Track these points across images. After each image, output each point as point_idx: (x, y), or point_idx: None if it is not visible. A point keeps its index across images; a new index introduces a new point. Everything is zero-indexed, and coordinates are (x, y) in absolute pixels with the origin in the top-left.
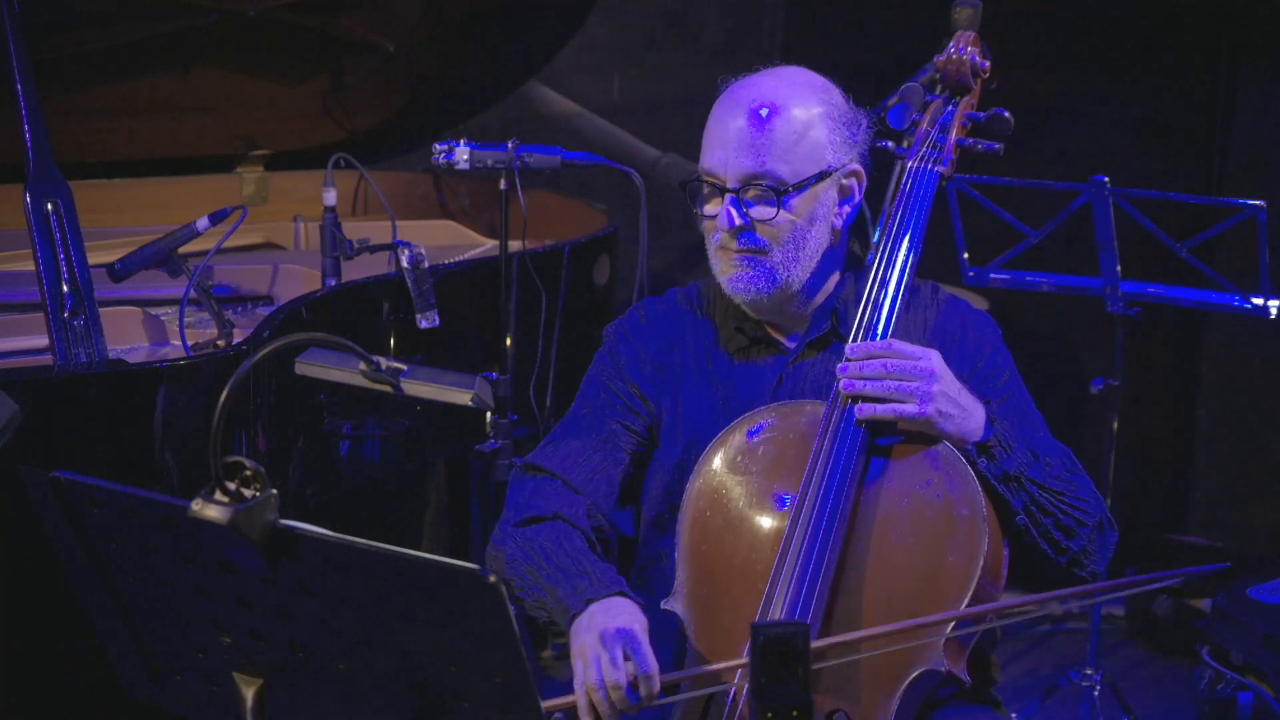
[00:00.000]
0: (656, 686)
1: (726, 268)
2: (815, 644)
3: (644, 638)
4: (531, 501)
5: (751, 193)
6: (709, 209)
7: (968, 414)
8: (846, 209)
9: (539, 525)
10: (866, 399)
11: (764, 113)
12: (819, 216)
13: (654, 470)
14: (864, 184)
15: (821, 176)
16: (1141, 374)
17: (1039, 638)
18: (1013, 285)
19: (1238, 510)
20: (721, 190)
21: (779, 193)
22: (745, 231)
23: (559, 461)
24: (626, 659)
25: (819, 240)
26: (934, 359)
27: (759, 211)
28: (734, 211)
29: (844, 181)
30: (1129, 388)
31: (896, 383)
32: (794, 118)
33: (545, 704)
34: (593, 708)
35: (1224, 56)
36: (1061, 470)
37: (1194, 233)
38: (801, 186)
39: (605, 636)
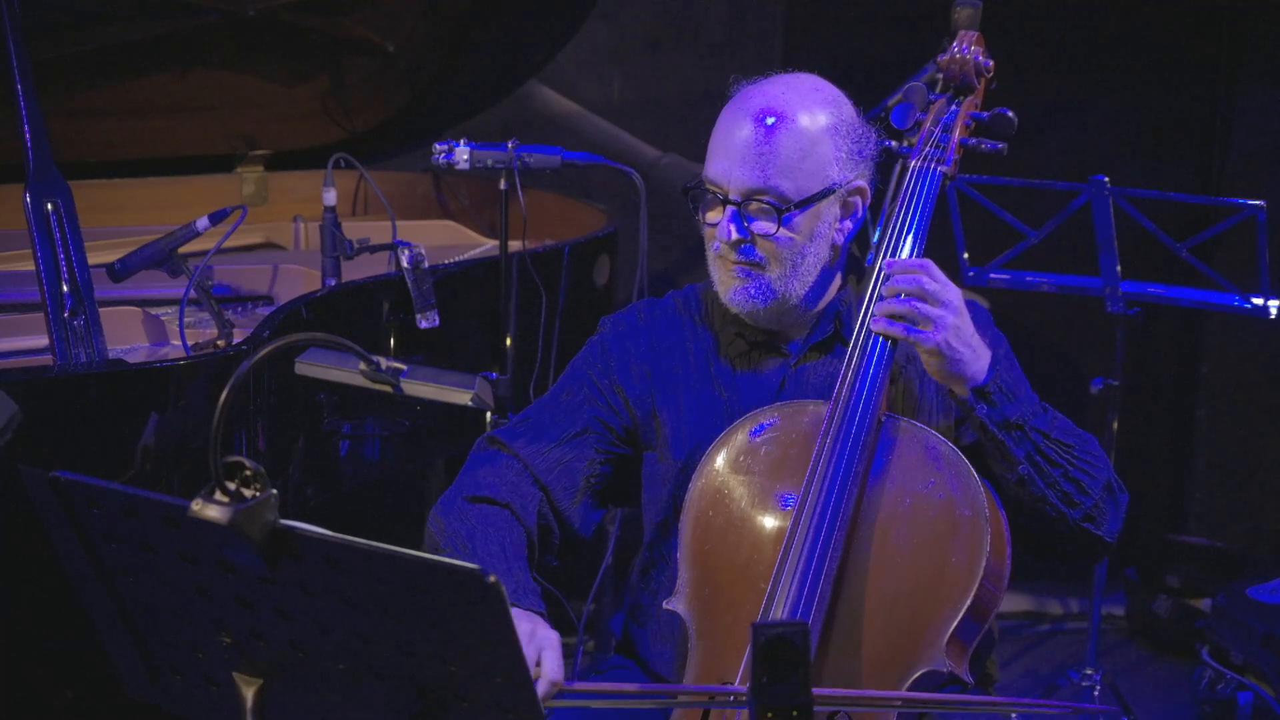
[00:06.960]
0: (550, 694)
1: (725, 278)
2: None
3: (560, 651)
4: (489, 482)
5: (753, 207)
6: (710, 217)
7: (976, 356)
8: (848, 225)
9: (491, 508)
10: (889, 315)
11: (770, 121)
12: (819, 233)
13: (657, 476)
14: (868, 200)
15: (825, 194)
16: (1141, 374)
17: (1039, 637)
18: (1013, 285)
19: (1238, 510)
20: (723, 201)
21: (780, 210)
22: (744, 245)
23: (526, 444)
24: (538, 664)
25: (818, 256)
26: (958, 295)
27: (760, 227)
28: (733, 225)
29: (848, 198)
30: (1129, 388)
31: (920, 303)
32: (800, 131)
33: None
34: None
35: (1224, 56)
36: (1069, 425)
37: (1194, 233)
38: (805, 205)
39: (533, 635)
